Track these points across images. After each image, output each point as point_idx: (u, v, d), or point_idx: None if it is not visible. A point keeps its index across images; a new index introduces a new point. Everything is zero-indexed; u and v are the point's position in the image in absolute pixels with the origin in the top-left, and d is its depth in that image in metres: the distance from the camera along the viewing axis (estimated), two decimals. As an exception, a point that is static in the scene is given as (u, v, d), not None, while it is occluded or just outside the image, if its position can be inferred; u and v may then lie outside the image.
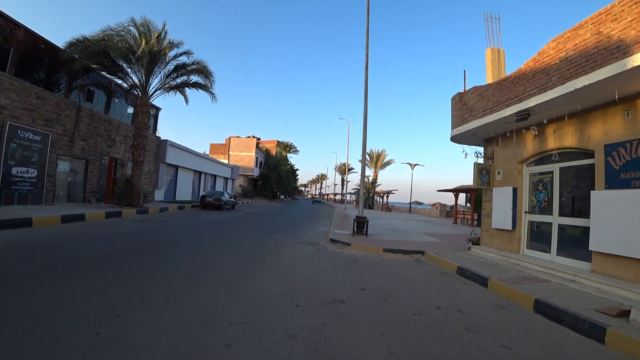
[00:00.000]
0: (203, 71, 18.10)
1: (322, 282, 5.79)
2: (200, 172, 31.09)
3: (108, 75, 17.32)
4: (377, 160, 48.36)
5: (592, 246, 5.99)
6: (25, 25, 13.14)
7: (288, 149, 68.37)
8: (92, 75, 17.01)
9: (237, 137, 49.81)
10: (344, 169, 62.73)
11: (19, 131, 12.53)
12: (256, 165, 50.22)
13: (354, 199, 65.70)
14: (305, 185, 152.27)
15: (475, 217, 19.77)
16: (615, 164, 5.91)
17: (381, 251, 9.04)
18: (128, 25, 15.79)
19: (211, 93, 18.74)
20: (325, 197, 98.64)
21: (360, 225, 11.79)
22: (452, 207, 35.37)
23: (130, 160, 18.71)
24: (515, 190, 8.08)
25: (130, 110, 21.52)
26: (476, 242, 9.50)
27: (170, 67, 17.35)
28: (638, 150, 5.62)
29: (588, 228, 6.31)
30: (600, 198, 5.98)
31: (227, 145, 49.18)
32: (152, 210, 16.50)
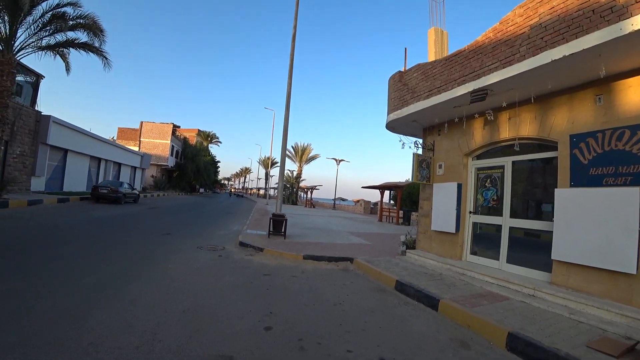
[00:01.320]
0: (91, 27, 14.19)
1: (207, 316, 3.68)
2: (99, 159, 25.69)
3: None
4: (302, 155, 46.85)
5: (556, 254, 4.92)
6: None
7: (210, 139, 63.06)
8: None
9: (152, 122, 43.63)
10: (268, 163, 60.02)
11: None
12: (172, 155, 44.47)
13: (275, 193, 63.79)
14: (228, 179, 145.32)
15: (401, 215, 19.31)
16: (584, 157, 4.89)
17: (301, 258, 7.19)
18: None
19: (102, 56, 14.79)
20: (249, 191, 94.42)
21: (278, 224, 9.84)
22: (376, 204, 35.67)
23: None
24: (460, 187, 6.91)
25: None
26: (411, 245, 8.25)
27: (47, 18, 13.19)
28: (612, 141, 4.64)
29: (546, 232, 5.29)
30: (567, 198, 4.92)
31: (139, 131, 42.71)
32: (15, 204, 12.34)
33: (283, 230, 9.73)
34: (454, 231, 6.80)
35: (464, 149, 7.00)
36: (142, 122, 42.72)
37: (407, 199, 24.16)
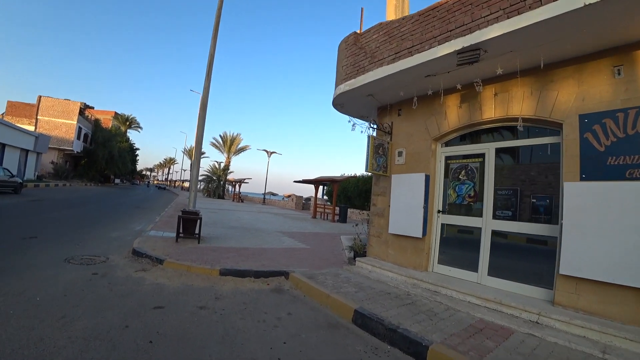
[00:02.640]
0: None
1: None
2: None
3: None
4: (230, 145, 43.39)
5: (565, 267, 3.70)
6: None
7: (128, 123, 55.06)
8: None
9: (54, 98, 35.92)
10: (194, 153, 55.05)
11: None
12: (78, 138, 36.81)
13: (201, 186, 58.68)
14: (151, 170, 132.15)
15: (337, 211, 18.00)
16: (599, 143, 3.74)
17: (216, 274, 5.06)
18: None
19: None
20: (174, 184, 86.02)
21: (190, 224, 7.48)
22: (308, 199, 34.28)
23: None
24: (427, 179, 5.50)
25: None
26: (361, 251, 6.71)
27: None
28: (638, 123, 3.54)
29: (541, 237, 4.12)
30: (581, 194, 3.73)
31: (35, 107, 34.69)
32: None
33: (197, 231, 7.45)
34: (420, 235, 5.37)
35: (433, 132, 5.62)
36: (40, 97, 34.74)
37: (341, 194, 23.09)
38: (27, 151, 27.33)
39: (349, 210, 20.38)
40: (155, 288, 4.30)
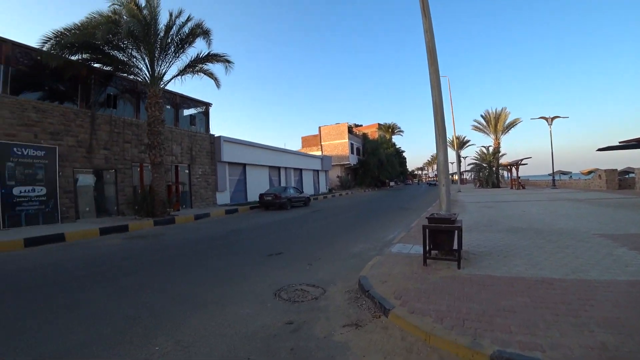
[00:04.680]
0: (203, 32, 13.97)
1: None
2: (278, 168, 27.32)
3: (120, 73, 14.67)
4: (496, 123, 36.86)
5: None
6: (12, 39, 11.71)
7: (391, 130, 60.54)
8: (114, 78, 14.96)
9: (328, 125, 45.22)
10: (456, 143, 52.01)
11: (14, 149, 11.27)
12: (352, 152, 44.55)
13: (472, 176, 53.90)
14: (421, 168, 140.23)
15: None
16: None
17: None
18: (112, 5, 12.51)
19: (226, 61, 14.83)
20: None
21: (442, 238, 5.14)
22: (626, 173, 23.71)
23: (176, 164, 16.18)
24: None
25: (188, 112, 19.73)
26: None
27: (176, 40, 13.73)
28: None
29: None
30: None
31: (318, 136, 45.13)
32: (182, 220, 13.15)
33: (456, 248, 5.02)
34: None
35: None
36: (320, 127, 44.75)
37: None
38: (317, 171, 34.68)
39: None
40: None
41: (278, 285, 4.62)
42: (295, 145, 67.51)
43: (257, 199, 18.67)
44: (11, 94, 11.46)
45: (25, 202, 11.24)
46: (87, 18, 12.00)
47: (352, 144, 44.76)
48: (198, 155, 18.73)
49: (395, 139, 60.93)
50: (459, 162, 46.43)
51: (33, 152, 11.62)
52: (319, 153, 41.53)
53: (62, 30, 11.62)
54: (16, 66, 11.74)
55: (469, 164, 44.86)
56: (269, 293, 4.31)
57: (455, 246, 5.01)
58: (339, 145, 43.59)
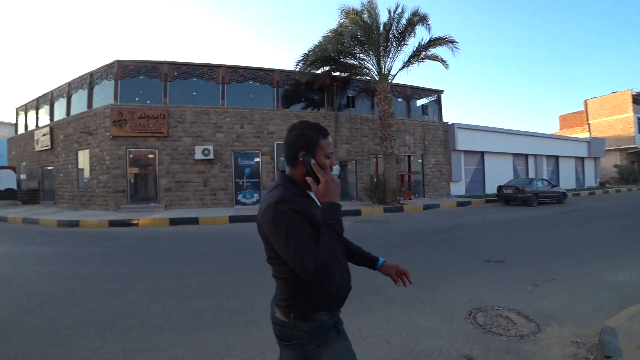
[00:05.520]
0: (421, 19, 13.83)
1: None
2: (525, 155, 22.99)
3: (355, 76, 16.76)
4: None
5: None
6: (279, 68, 15.90)
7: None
8: (351, 82, 17.32)
9: (599, 97, 33.26)
10: None
11: (285, 147, 16.09)
12: (639, 131, 31.08)
13: None
14: None
15: None
16: None
17: None
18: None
19: (450, 42, 14.39)
20: None
21: None
22: None
23: (406, 154, 17.20)
24: None
25: (420, 102, 20.19)
26: None
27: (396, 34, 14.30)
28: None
29: None
30: None
31: (584, 112, 34.11)
32: (410, 209, 13.66)
33: None
34: None
35: None
36: (586, 101, 33.70)
37: None
38: (582, 159, 26.55)
39: None
40: None
41: (479, 302, 3.58)
42: (551, 127, 54.43)
43: (496, 191, 16.57)
44: (282, 107, 15.52)
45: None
46: (323, 37, 14.47)
47: (639, 119, 30.88)
48: (431, 145, 18.52)
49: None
50: None
51: (299, 150, 15.86)
52: (585, 135, 31.59)
53: (307, 52, 14.50)
54: (282, 86, 15.74)
55: None
56: (463, 309, 3.40)
57: None
58: (617, 122, 30.85)
